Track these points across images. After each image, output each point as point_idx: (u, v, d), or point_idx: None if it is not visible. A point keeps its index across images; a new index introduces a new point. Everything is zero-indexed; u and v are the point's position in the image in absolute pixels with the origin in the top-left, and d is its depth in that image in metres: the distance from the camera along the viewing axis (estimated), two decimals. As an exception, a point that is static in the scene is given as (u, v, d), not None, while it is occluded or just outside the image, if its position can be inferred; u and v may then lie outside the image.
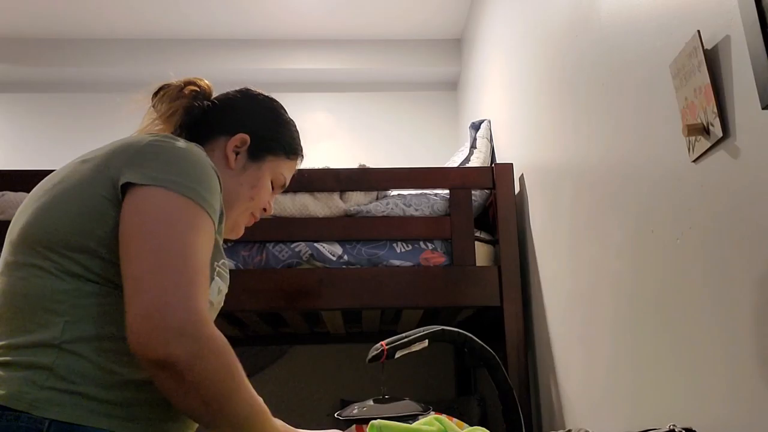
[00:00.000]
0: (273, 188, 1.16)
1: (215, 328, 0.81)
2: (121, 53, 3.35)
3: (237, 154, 1.09)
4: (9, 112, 3.41)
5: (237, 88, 1.18)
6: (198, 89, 1.11)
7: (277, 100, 1.20)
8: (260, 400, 0.88)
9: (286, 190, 2.03)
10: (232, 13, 3.19)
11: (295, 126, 1.20)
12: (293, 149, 1.17)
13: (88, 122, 3.33)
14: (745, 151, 0.88)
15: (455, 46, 3.46)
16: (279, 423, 0.97)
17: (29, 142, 3.34)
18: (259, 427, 0.88)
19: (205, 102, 1.12)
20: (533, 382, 1.95)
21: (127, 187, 0.85)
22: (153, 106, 1.09)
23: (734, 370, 0.90)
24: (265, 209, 1.16)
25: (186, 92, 1.09)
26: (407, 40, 3.45)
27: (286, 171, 1.17)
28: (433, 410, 1.36)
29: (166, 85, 1.11)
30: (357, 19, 3.26)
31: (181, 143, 0.93)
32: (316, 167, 2.10)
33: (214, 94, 1.15)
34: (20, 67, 3.33)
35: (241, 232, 1.15)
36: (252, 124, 1.11)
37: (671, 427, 0.95)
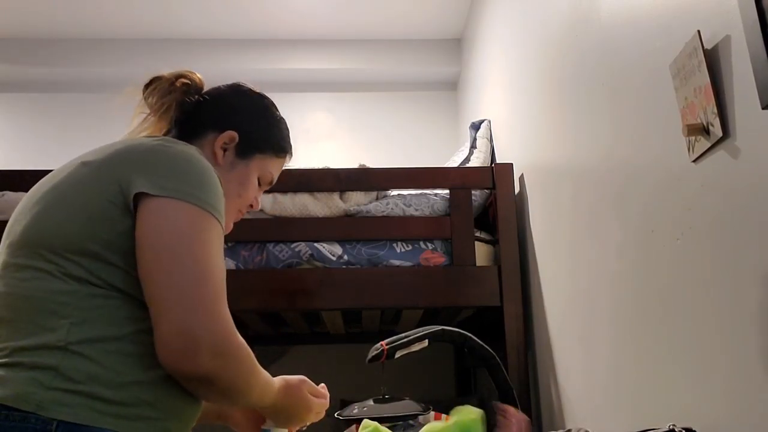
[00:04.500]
0: (260, 185, 1.15)
1: (238, 336, 0.86)
2: (121, 53, 3.35)
3: (225, 150, 1.09)
4: (9, 112, 3.41)
5: (228, 83, 1.17)
6: (189, 82, 1.11)
7: (269, 97, 1.19)
8: (265, 373, 0.97)
9: (286, 190, 2.05)
10: (232, 13, 3.19)
11: (286, 124, 1.19)
12: (282, 148, 1.17)
13: (88, 122, 3.32)
14: (745, 151, 0.88)
15: (455, 46, 3.46)
16: (276, 380, 1.04)
17: (29, 142, 3.34)
18: (267, 397, 0.98)
19: (196, 96, 1.11)
20: (533, 382, 1.94)
21: (139, 196, 0.86)
22: (144, 99, 1.09)
23: (734, 369, 0.90)
24: (251, 205, 1.15)
25: (178, 85, 1.09)
26: (407, 40, 3.45)
27: (273, 169, 1.16)
28: (433, 410, 1.37)
29: (157, 77, 1.10)
30: (357, 19, 3.26)
31: (184, 147, 0.94)
32: (316, 167, 2.10)
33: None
34: (20, 67, 3.33)
35: (230, 229, 1.14)
36: (241, 122, 1.11)
37: (671, 427, 0.95)
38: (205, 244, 0.87)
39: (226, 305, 0.86)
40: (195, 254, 0.85)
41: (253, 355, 0.90)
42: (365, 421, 1.25)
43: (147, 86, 1.10)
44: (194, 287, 0.83)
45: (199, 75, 1.14)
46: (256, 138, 1.12)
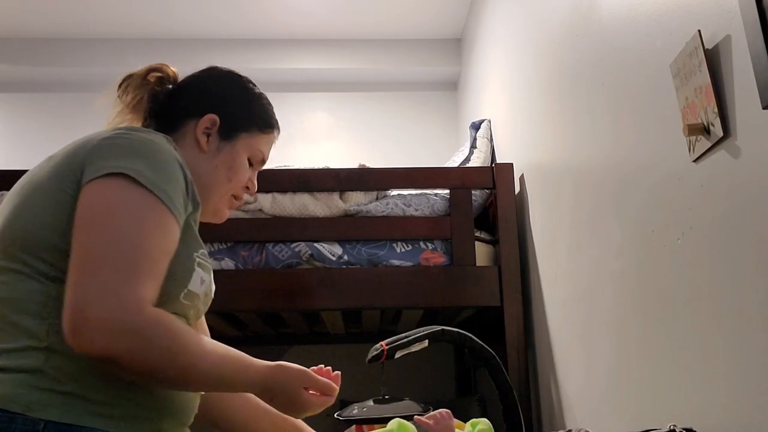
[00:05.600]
0: (253, 165, 1.10)
1: (152, 313, 0.79)
2: (121, 53, 3.35)
3: (208, 136, 1.05)
4: (9, 112, 3.41)
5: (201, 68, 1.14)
6: (162, 75, 1.09)
7: (246, 76, 1.15)
8: (229, 353, 0.87)
9: (286, 190, 2.05)
10: (232, 13, 3.19)
11: (267, 99, 1.14)
12: (266, 123, 1.12)
13: (88, 122, 3.27)
14: (745, 151, 0.88)
15: (455, 46, 3.46)
16: (260, 364, 0.91)
17: (29, 142, 3.33)
18: (232, 380, 0.88)
19: (170, 86, 1.09)
20: (533, 382, 1.94)
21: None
22: (119, 97, 1.07)
23: (734, 370, 0.90)
24: (248, 187, 1.11)
25: (150, 79, 1.07)
26: (407, 40, 3.45)
27: (263, 146, 1.11)
28: (432, 410, 1.36)
29: (129, 75, 1.08)
30: (357, 19, 3.26)
31: (142, 133, 0.91)
32: (316, 167, 2.10)
33: None
34: (20, 67, 3.33)
35: (225, 216, 1.10)
36: (219, 103, 1.07)
37: (671, 427, 0.95)
38: (131, 218, 0.81)
39: (147, 285, 0.79)
40: (115, 230, 0.80)
41: (182, 333, 0.82)
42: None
43: (120, 85, 1.08)
44: (98, 259, 0.77)
45: (173, 68, 1.11)
46: (237, 117, 1.08)
